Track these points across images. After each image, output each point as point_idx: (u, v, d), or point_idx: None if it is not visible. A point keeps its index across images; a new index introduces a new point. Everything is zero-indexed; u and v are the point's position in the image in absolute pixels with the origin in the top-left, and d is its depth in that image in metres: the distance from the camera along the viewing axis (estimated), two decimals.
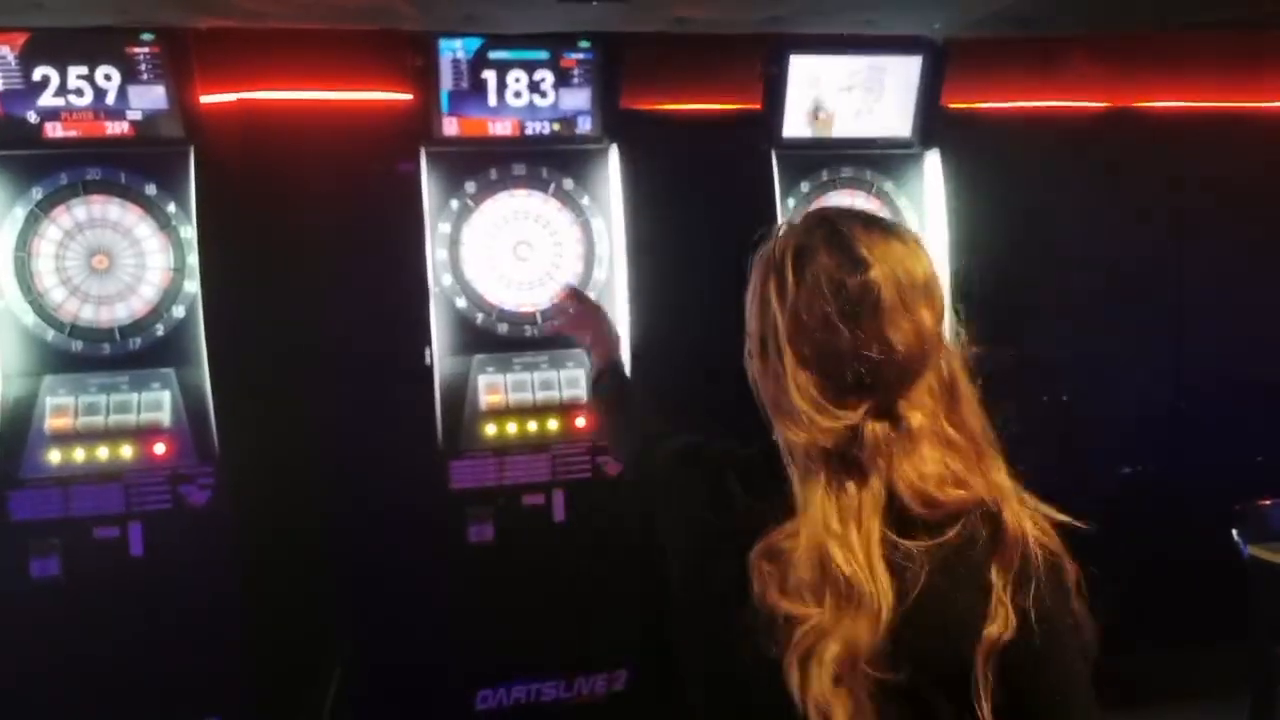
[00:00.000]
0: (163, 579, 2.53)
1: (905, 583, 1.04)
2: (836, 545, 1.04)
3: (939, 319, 1.11)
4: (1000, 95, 3.46)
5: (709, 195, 3.05)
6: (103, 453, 2.51)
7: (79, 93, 2.52)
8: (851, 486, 1.06)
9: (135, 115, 2.56)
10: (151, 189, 2.60)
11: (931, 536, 1.06)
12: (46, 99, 2.51)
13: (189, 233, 2.60)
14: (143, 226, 2.60)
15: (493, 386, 2.76)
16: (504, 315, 2.82)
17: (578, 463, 2.78)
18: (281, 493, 2.82)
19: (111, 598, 2.50)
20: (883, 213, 3.02)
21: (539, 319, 2.83)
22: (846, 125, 2.98)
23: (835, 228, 1.13)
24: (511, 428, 2.75)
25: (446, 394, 2.73)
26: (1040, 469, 1.14)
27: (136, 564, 2.53)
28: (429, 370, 2.71)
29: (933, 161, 3.05)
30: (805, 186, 3.01)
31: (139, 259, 2.59)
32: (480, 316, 2.80)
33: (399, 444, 2.81)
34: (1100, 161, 3.45)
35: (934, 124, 3.01)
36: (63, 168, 2.55)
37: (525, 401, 2.75)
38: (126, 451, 2.53)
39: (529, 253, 2.84)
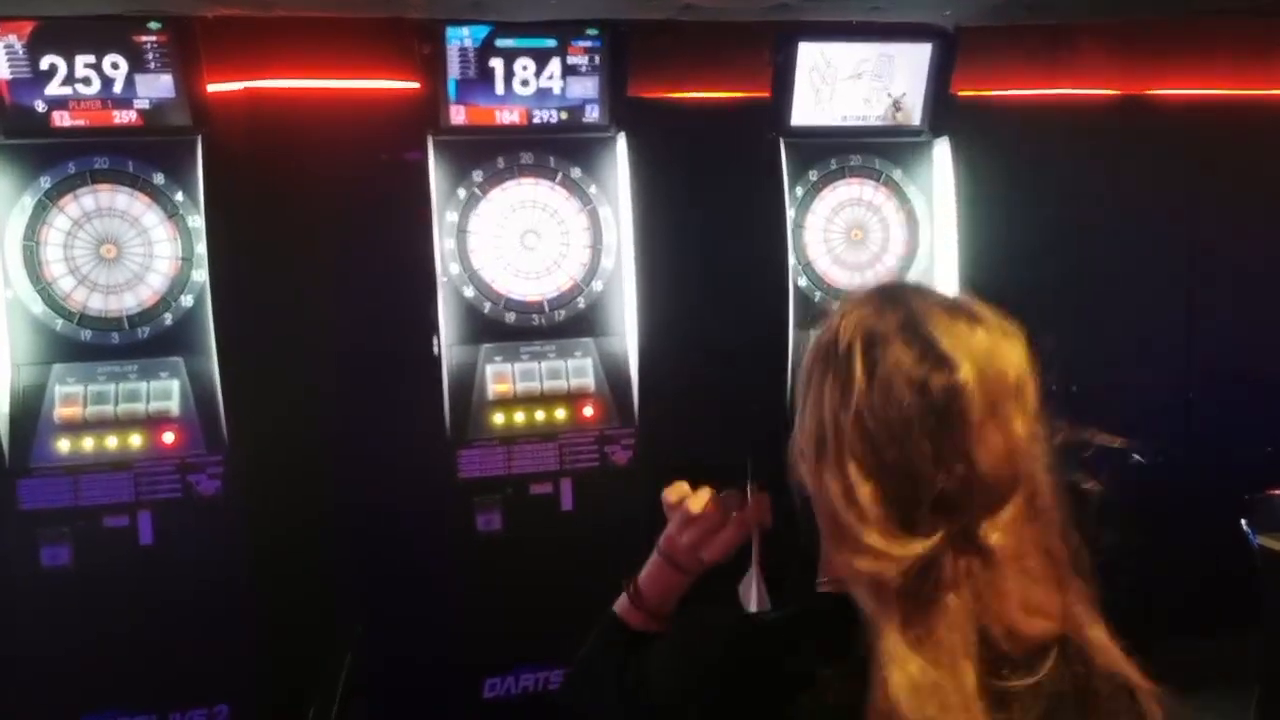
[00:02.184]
0: (172, 568, 2.54)
1: None
2: (932, 706, 0.85)
3: (1031, 426, 0.93)
4: (1010, 83, 3.43)
5: (717, 183, 3.04)
6: (112, 442, 2.52)
7: (86, 81, 2.52)
8: (937, 629, 0.87)
9: (143, 104, 2.56)
10: (159, 178, 2.60)
11: (1024, 675, 0.91)
12: (54, 88, 2.51)
13: (197, 222, 2.60)
14: (150, 215, 2.60)
15: (500, 376, 2.76)
16: (511, 304, 2.81)
17: (585, 452, 2.78)
18: (290, 482, 2.83)
19: (121, 586, 2.51)
20: (891, 201, 3.06)
21: (546, 308, 2.83)
22: (855, 112, 2.97)
23: (911, 311, 0.94)
24: (519, 417, 2.75)
25: (454, 383, 2.73)
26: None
27: (146, 553, 2.53)
28: (437, 359, 2.71)
29: (942, 150, 3.03)
30: (813, 175, 2.99)
31: (147, 248, 2.60)
32: (488, 306, 2.80)
33: (407, 433, 2.81)
34: (1111, 149, 3.43)
35: (944, 112, 2.99)
36: (70, 157, 2.55)
37: (533, 390, 2.75)
38: (136, 440, 2.53)
39: (536, 242, 2.83)
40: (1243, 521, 2.69)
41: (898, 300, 0.97)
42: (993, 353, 0.92)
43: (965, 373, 0.90)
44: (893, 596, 0.88)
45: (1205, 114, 3.55)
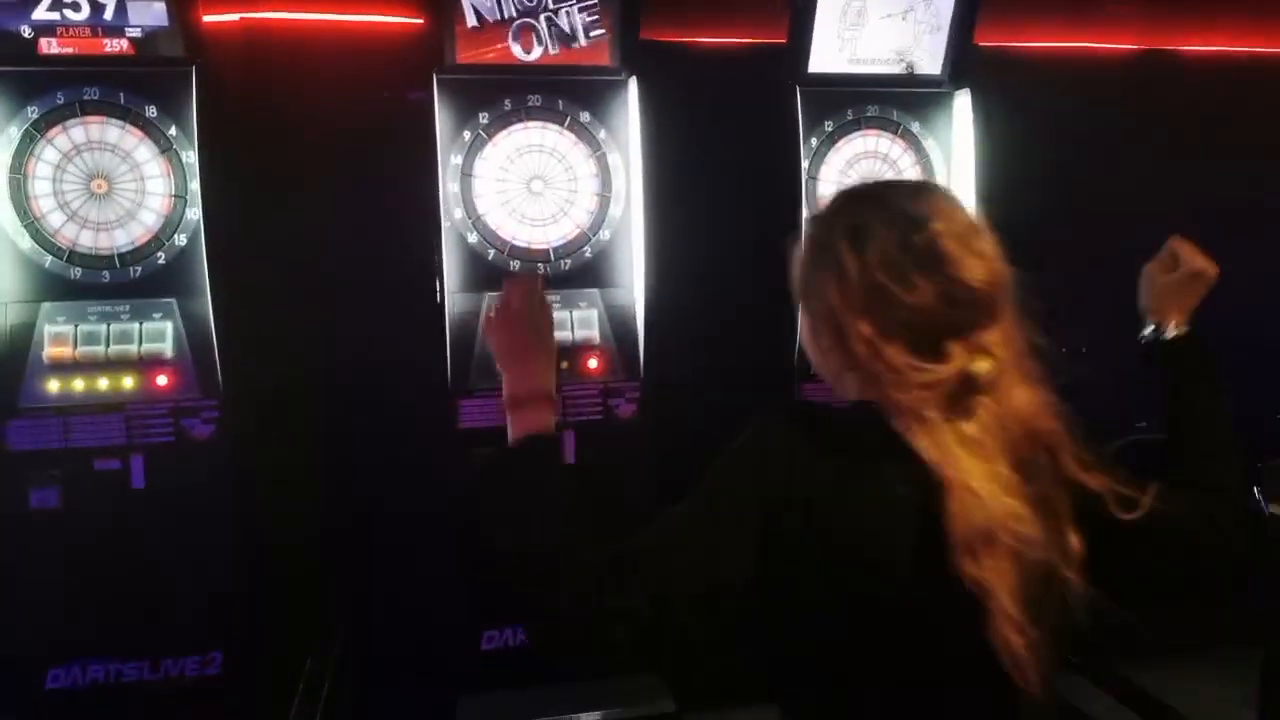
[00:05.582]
0: (164, 512, 2.48)
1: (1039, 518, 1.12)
2: (994, 485, 1.09)
3: (998, 251, 1.18)
4: (1033, 35, 3.34)
5: (730, 131, 2.95)
6: (103, 383, 2.45)
7: (76, 7, 2.41)
8: (974, 430, 1.11)
9: (135, 32, 2.45)
10: (152, 111, 2.50)
11: (1037, 479, 1.13)
12: (41, 13, 2.40)
13: (191, 157, 2.50)
14: (143, 150, 2.50)
15: None
16: (516, 252, 2.73)
17: (588, 404, 2.72)
18: (285, 428, 2.77)
19: (112, 531, 2.46)
20: (908, 154, 2.98)
21: (552, 257, 2.75)
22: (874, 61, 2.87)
23: (879, 198, 1.20)
24: None
25: (456, 332, 2.66)
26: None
27: (138, 496, 2.48)
28: (438, 307, 2.64)
29: (963, 102, 2.93)
30: (829, 125, 2.90)
31: (139, 184, 2.50)
32: (492, 253, 2.72)
33: (407, 381, 2.75)
34: (1133, 105, 3.35)
35: (966, 62, 2.90)
36: (59, 86, 2.45)
37: None
38: (128, 382, 2.46)
39: (543, 188, 2.75)
40: (1254, 489, 2.66)
41: (862, 196, 1.24)
42: (951, 209, 1.18)
43: (936, 225, 1.15)
44: (939, 409, 1.11)
45: (1230, 71, 3.46)
